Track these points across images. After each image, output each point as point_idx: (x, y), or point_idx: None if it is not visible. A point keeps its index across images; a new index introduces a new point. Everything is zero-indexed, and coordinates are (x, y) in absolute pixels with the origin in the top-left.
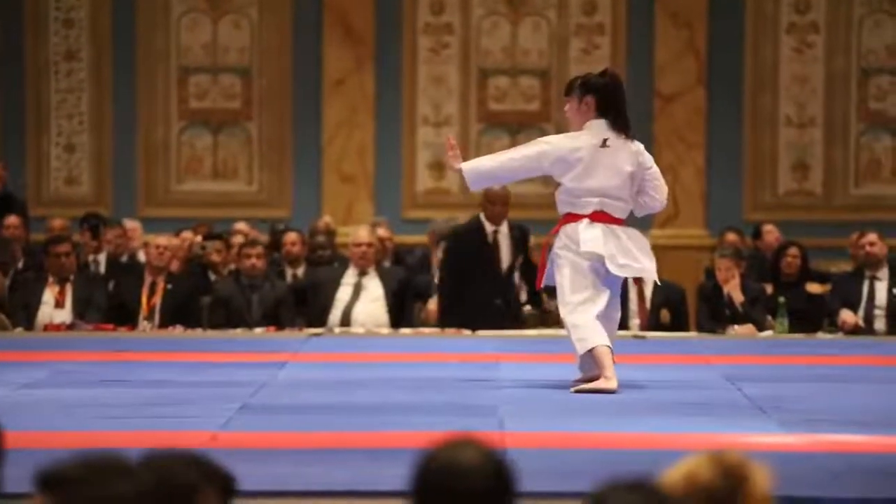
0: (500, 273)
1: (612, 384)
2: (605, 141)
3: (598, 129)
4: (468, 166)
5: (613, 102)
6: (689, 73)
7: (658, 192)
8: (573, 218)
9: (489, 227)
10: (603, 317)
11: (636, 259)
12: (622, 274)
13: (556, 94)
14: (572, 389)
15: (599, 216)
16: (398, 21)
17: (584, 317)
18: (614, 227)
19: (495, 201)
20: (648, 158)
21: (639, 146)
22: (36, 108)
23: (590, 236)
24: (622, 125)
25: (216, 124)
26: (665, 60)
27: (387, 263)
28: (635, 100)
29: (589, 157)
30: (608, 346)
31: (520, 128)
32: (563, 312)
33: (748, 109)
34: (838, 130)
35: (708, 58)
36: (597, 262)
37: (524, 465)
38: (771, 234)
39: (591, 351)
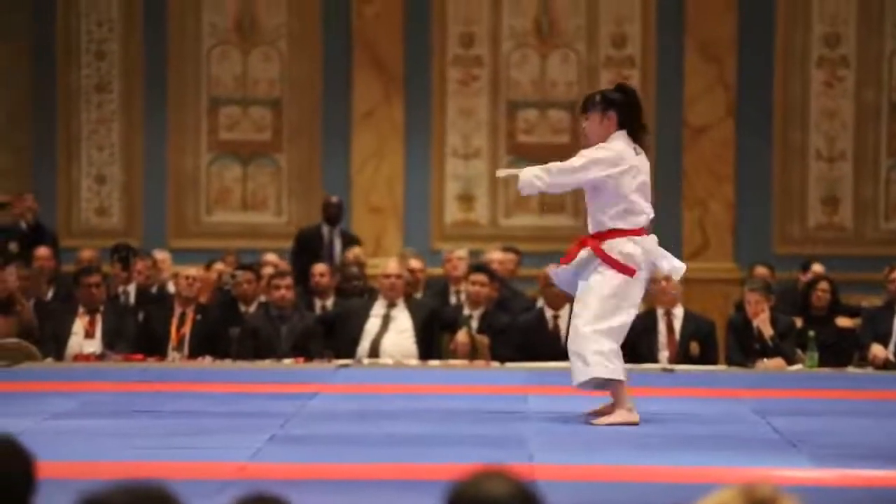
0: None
1: (636, 417)
2: (636, 150)
3: (624, 140)
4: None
5: (634, 115)
6: (719, 106)
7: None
8: (622, 233)
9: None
10: None
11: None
12: (677, 276)
13: None
14: (592, 422)
15: (641, 232)
16: (427, 53)
17: (612, 345)
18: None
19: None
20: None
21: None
22: (67, 139)
23: (661, 253)
24: (642, 137)
25: (246, 156)
26: (694, 93)
27: (419, 295)
28: (665, 132)
29: (632, 168)
30: (624, 382)
31: (549, 160)
32: (594, 326)
33: (778, 143)
34: (868, 164)
35: (737, 91)
36: (640, 291)
37: (554, 497)
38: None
39: (609, 381)
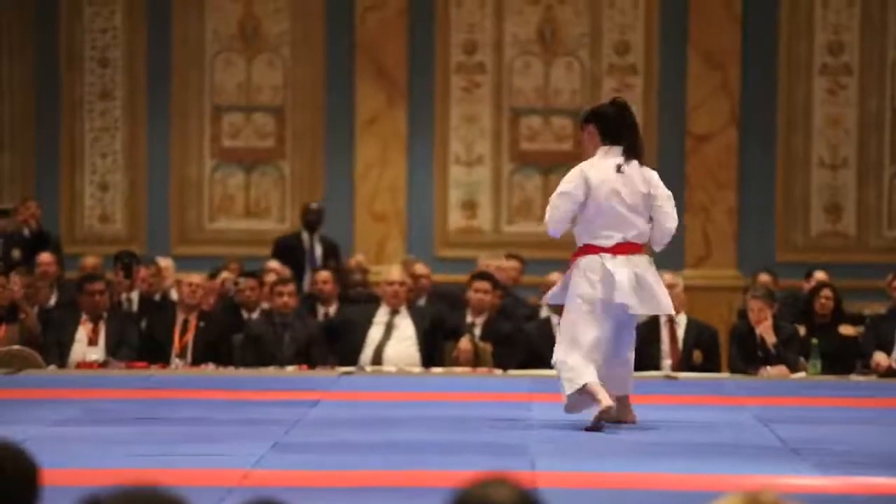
0: None
1: (606, 402)
2: (618, 167)
3: (609, 155)
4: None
5: (619, 129)
6: (722, 114)
7: (668, 218)
8: (593, 249)
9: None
10: (615, 360)
11: (654, 295)
12: (643, 312)
13: None
14: (584, 429)
15: (622, 248)
16: (430, 60)
17: (574, 357)
18: (634, 258)
19: None
20: (658, 182)
21: (650, 171)
22: (70, 146)
23: (624, 284)
24: (632, 150)
25: (249, 163)
26: (698, 101)
27: (422, 301)
28: (668, 139)
29: (604, 184)
30: (597, 382)
31: (552, 167)
32: (559, 353)
33: (781, 150)
34: (871, 172)
35: (741, 98)
36: (614, 303)
37: None
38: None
39: (582, 390)
